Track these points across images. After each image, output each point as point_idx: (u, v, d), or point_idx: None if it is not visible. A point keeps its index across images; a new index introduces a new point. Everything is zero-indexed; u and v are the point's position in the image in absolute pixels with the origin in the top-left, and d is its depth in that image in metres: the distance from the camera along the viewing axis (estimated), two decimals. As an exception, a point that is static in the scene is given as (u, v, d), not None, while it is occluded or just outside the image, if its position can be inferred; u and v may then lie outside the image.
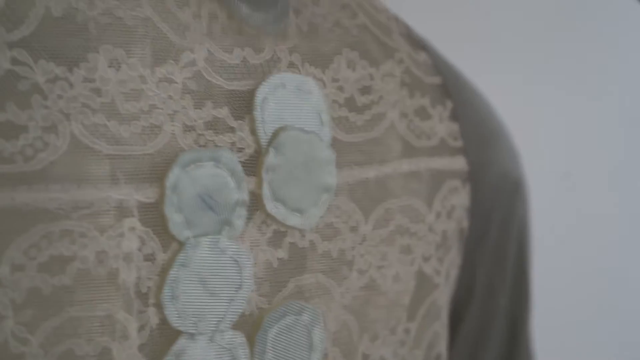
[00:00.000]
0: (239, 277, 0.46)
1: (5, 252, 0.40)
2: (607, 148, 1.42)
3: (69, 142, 0.41)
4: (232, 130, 0.46)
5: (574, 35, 1.40)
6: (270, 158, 0.46)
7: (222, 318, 0.45)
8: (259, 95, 0.47)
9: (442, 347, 0.56)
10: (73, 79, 0.42)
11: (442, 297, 0.56)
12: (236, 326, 0.46)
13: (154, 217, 0.43)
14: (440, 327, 0.56)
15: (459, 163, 0.56)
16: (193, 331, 0.44)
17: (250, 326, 0.47)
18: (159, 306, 0.44)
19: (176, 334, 0.44)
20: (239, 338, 0.46)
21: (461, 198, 0.56)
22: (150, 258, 0.43)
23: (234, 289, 0.45)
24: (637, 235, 1.44)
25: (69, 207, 0.41)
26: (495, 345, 0.63)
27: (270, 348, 0.47)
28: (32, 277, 0.40)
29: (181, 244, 0.44)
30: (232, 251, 0.45)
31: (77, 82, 0.42)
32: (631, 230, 1.42)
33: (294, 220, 0.47)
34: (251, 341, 0.47)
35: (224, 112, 0.46)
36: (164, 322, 0.44)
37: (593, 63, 1.43)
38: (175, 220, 0.44)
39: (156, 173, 0.43)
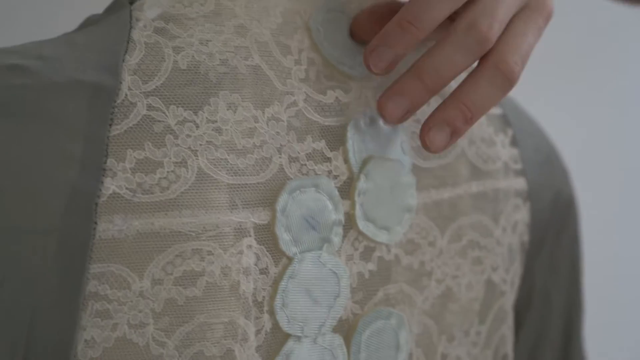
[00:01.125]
0: (337, 287, 0.53)
1: (146, 269, 0.47)
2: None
3: (197, 174, 0.48)
4: (328, 160, 0.53)
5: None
6: (362, 183, 0.53)
7: (323, 322, 0.52)
8: (351, 130, 0.54)
9: (509, 348, 0.63)
10: (198, 121, 0.49)
11: (508, 303, 0.62)
12: (335, 330, 0.53)
13: (267, 236, 0.50)
14: (507, 329, 0.63)
15: (520, 183, 0.62)
16: (299, 334, 0.52)
17: (347, 330, 0.54)
18: (272, 313, 0.51)
19: (285, 336, 0.51)
20: (338, 340, 0.53)
21: (522, 214, 0.62)
22: (264, 272, 0.50)
23: (333, 297, 0.53)
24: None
25: (198, 229, 0.48)
26: (552, 348, 0.69)
27: (364, 348, 0.54)
28: (169, 290, 0.48)
29: (290, 259, 0.51)
30: (332, 264, 0.52)
31: (202, 123, 0.49)
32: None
33: (381, 237, 0.54)
34: (348, 343, 0.54)
35: (321, 145, 0.53)
36: (276, 326, 0.51)
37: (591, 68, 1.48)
38: (284, 238, 0.51)
39: (268, 199, 0.50)
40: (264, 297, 0.51)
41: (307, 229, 0.52)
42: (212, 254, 0.48)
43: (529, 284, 0.67)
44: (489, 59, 0.51)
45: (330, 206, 0.52)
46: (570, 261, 0.70)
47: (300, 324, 0.52)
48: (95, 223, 0.46)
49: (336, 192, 0.53)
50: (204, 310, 0.48)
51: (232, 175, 0.49)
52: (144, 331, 0.47)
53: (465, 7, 0.51)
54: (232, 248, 0.49)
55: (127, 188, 0.47)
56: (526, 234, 0.63)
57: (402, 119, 0.53)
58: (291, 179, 0.51)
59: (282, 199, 0.51)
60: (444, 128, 0.52)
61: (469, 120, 0.51)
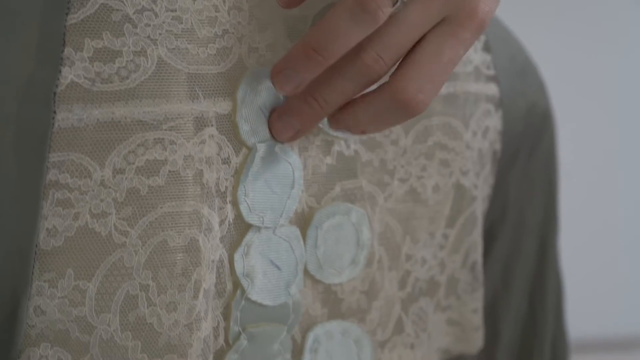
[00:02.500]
0: (291, 177, 0.53)
1: (107, 158, 0.47)
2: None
3: (157, 63, 0.48)
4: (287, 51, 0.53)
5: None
6: None
7: (281, 213, 0.52)
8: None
9: (478, 255, 0.63)
10: (157, 9, 0.48)
11: (479, 209, 0.62)
12: (292, 222, 0.53)
13: (228, 126, 0.50)
14: (478, 236, 0.62)
15: (492, 89, 0.62)
16: (260, 225, 0.52)
17: (303, 222, 0.54)
18: (235, 203, 0.51)
19: (247, 227, 0.52)
20: (295, 232, 0.53)
21: (494, 121, 0.62)
22: (226, 161, 0.50)
23: (289, 188, 0.53)
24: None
25: (160, 118, 0.48)
26: (526, 262, 0.69)
27: (322, 243, 0.54)
28: (131, 179, 0.47)
29: (249, 149, 0.51)
30: (285, 155, 0.52)
31: (161, 11, 0.49)
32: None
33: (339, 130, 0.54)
34: (304, 235, 0.54)
35: (282, 35, 0.52)
36: (238, 217, 0.51)
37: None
38: (244, 128, 0.51)
39: (229, 89, 0.50)
40: (226, 187, 0.50)
41: (263, 120, 0.52)
42: (175, 144, 0.48)
43: (503, 198, 0.66)
44: (386, 87, 0.50)
45: (283, 97, 0.52)
46: (546, 177, 0.69)
47: (260, 214, 0.52)
48: (54, 112, 0.46)
49: None
50: (167, 200, 0.48)
51: (192, 65, 0.49)
52: (106, 221, 0.47)
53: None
54: (194, 137, 0.49)
55: (85, 77, 0.47)
56: (498, 142, 0.63)
57: (294, 138, 0.52)
58: (249, 69, 0.51)
59: (242, 89, 0.50)
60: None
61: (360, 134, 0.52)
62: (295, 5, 0.51)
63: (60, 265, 0.47)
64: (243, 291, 0.52)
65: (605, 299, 1.56)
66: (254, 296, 0.52)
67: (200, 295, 0.49)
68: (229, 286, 0.51)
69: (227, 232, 0.51)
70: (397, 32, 0.48)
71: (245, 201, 0.51)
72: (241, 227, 0.52)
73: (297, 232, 0.54)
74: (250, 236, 0.52)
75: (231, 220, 0.51)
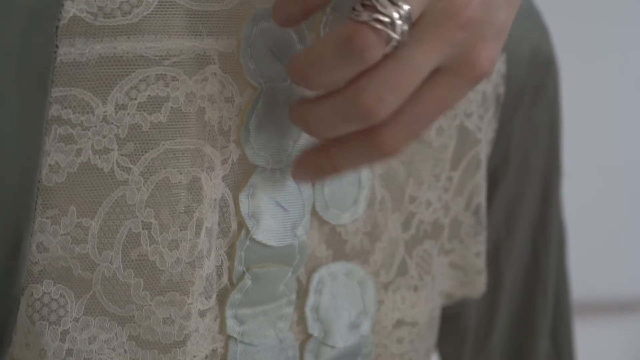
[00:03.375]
0: None
1: (109, 93, 0.47)
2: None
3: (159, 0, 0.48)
4: None
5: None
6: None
7: (289, 154, 0.52)
8: None
9: (482, 198, 0.63)
10: None
11: (483, 151, 0.62)
12: None
13: (232, 65, 0.50)
14: (481, 179, 0.62)
15: None
16: (266, 165, 0.51)
17: None
18: (238, 143, 0.50)
19: (252, 167, 0.51)
20: None
21: (497, 64, 0.62)
22: (229, 100, 0.50)
23: (298, 129, 0.52)
24: None
25: (162, 54, 0.47)
26: (529, 207, 0.69)
27: (327, 183, 0.54)
28: (133, 115, 0.47)
29: (254, 89, 0.50)
30: (294, 95, 0.51)
31: None
32: None
33: None
34: None
35: None
36: (242, 157, 0.51)
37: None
38: (249, 67, 0.50)
39: (233, 27, 0.50)
40: (230, 126, 0.50)
41: (272, 60, 0.51)
42: (177, 80, 0.48)
43: (506, 142, 0.66)
44: (367, 131, 0.47)
45: (295, 38, 0.51)
46: (549, 122, 0.69)
47: (266, 155, 0.51)
48: (56, 46, 0.46)
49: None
50: (169, 137, 0.48)
51: (195, 1, 0.48)
52: (109, 157, 0.47)
53: (360, 78, 0.45)
54: (196, 75, 0.48)
55: (88, 12, 0.46)
56: (501, 85, 0.62)
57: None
58: (256, 7, 0.50)
59: (247, 28, 0.50)
60: (310, 171, 0.50)
61: (337, 172, 0.49)
62: (290, 26, 0.49)
63: (62, 202, 0.47)
64: (248, 231, 0.52)
65: (608, 260, 1.56)
66: (259, 237, 0.52)
67: (202, 233, 0.49)
68: (234, 226, 0.51)
69: (230, 171, 0.51)
70: (401, 72, 0.45)
71: (250, 141, 0.51)
72: (246, 168, 0.51)
73: None
74: (255, 177, 0.51)
75: (235, 160, 0.51)
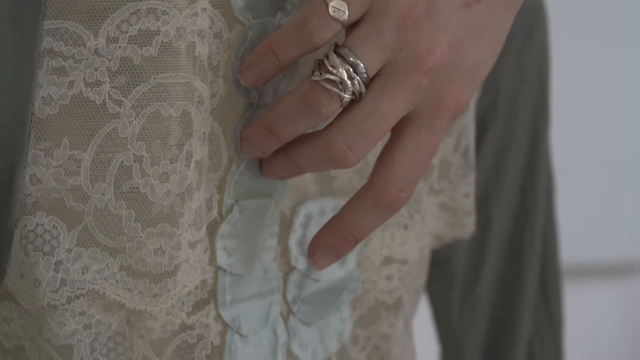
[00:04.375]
0: None
1: (101, 26, 0.47)
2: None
3: None
4: None
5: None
6: None
7: (276, 87, 0.53)
8: None
9: (470, 140, 0.64)
10: None
11: None
12: None
13: (221, 1, 0.51)
14: (469, 120, 0.63)
15: None
16: (255, 101, 0.52)
17: None
18: (226, 78, 0.51)
19: (242, 105, 0.52)
20: None
21: None
22: (218, 36, 0.51)
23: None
24: None
25: None
26: (517, 153, 0.70)
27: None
28: (124, 48, 0.48)
29: (243, 25, 0.51)
30: None
31: None
32: None
33: None
34: None
35: None
36: (231, 93, 0.52)
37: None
38: (238, 4, 0.51)
39: None
40: (218, 61, 0.51)
41: None
42: (167, 14, 0.48)
43: (495, 87, 0.67)
44: (370, 188, 0.50)
45: None
46: (538, 68, 0.70)
47: (253, 90, 0.52)
48: None
49: None
50: (160, 71, 0.48)
51: None
52: (100, 89, 0.48)
53: (333, 124, 0.49)
54: (186, 9, 0.49)
55: None
56: None
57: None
58: None
59: None
60: (329, 252, 0.52)
61: (354, 244, 0.51)
62: (258, 86, 0.51)
63: (55, 134, 0.48)
64: (238, 166, 0.53)
65: (600, 223, 1.57)
66: (246, 171, 0.53)
67: (192, 166, 0.50)
68: (225, 160, 0.52)
69: (218, 106, 0.51)
70: (367, 122, 0.47)
71: (237, 77, 0.51)
72: (235, 103, 0.52)
73: None
74: (244, 112, 0.52)
75: (223, 95, 0.51)
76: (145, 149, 0.48)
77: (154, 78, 0.48)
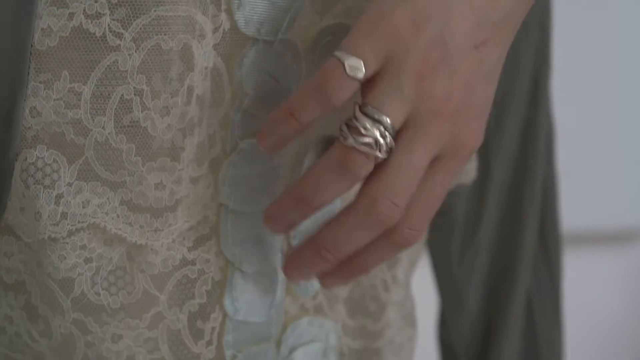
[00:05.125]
0: None
1: None
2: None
3: None
4: None
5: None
6: None
7: (281, 26, 0.52)
8: None
9: None
10: None
11: None
12: (294, 35, 0.53)
13: None
14: None
15: None
16: (257, 37, 0.52)
17: (306, 38, 0.54)
18: (229, 12, 0.51)
19: (245, 39, 0.52)
20: (296, 46, 0.54)
21: None
22: None
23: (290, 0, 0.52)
24: None
25: None
26: (519, 102, 0.70)
27: (318, 55, 0.54)
28: None
29: None
30: None
31: None
32: None
33: None
34: (305, 50, 0.54)
35: None
36: (234, 27, 0.51)
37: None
38: None
39: None
40: None
41: None
42: None
43: None
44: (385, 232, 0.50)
45: None
46: (540, 19, 0.70)
47: (257, 25, 0.52)
48: None
49: None
50: (160, 3, 0.48)
51: None
52: (100, 21, 0.48)
53: (371, 186, 0.49)
54: None
55: None
56: None
57: (308, 278, 0.54)
58: None
59: None
60: (340, 281, 0.54)
61: (367, 272, 0.53)
62: (275, 151, 0.52)
63: (55, 67, 0.48)
64: (241, 102, 0.52)
65: (599, 190, 1.57)
66: (250, 108, 0.53)
67: (193, 100, 0.50)
68: (227, 96, 0.52)
69: (221, 40, 0.51)
70: (403, 176, 0.49)
71: (241, 11, 0.51)
72: (239, 38, 0.52)
73: (298, 46, 0.54)
74: (247, 48, 0.52)
75: (226, 30, 0.51)
76: (146, 83, 0.48)
77: (155, 11, 0.48)
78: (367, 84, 0.48)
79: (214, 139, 0.52)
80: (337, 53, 0.48)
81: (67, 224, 0.49)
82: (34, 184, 0.48)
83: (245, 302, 0.54)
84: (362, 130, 0.47)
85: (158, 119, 0.49)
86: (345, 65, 0.47)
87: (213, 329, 0.54)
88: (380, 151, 0.48)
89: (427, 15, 0.48)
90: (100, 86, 0.48)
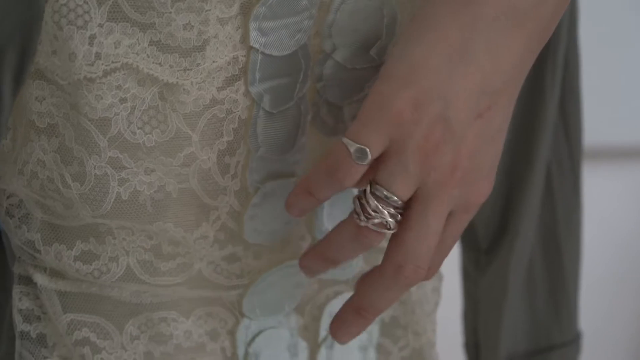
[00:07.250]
0: None
1: None
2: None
3: None
4: None
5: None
6: None
7: None
8: None
9: None
10: None
11: None
12: None
13: None
14: None
15: None
16: None
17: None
18: None
19: None
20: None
21: None
22: None
23: None
24: None
25: None
26: None
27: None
28: None
29: None
30: None
31: None
32: None
33: None
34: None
35: None
36: None
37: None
38: None
39: None
40: None
41: None
42: None
43: None
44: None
45: None
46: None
47: None
48: None
49: None
50: None
51: None
52: None
53: (393, 255, 0.53)
54: None
55: None
56: None
57: (355, 337, 0.57)
58: None
59: None
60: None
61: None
62: (301, 216, 0.57)
63: None
64: None
65: (613, 107, 1.57)
66: None
67: None
68: None
69: None
70: (422, 242, 0.52)
71: None
72: None
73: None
74: None
75: None
76: None
77: None
78: (376, 162, 0.52)
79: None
80: (344, 140, 0.51)
81: (102, 64, 0.50)
82: (67, 24, 0.49)
83: (269, 139, 0.56)
84: (372, 213, 0.52)
85: None
86: (352, 152, 0.51)
87: (238, 162, 0.56)
88: (390, 228, 0.52)
89: (429, 98, 0.50)
90: None
